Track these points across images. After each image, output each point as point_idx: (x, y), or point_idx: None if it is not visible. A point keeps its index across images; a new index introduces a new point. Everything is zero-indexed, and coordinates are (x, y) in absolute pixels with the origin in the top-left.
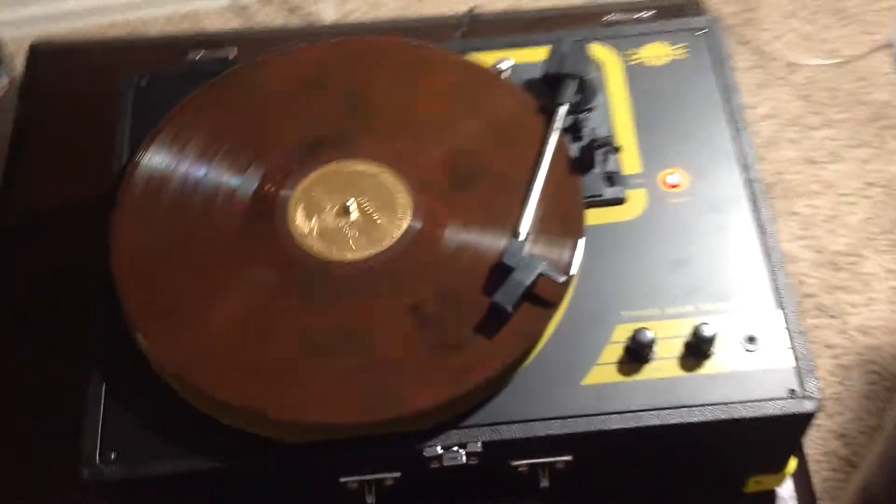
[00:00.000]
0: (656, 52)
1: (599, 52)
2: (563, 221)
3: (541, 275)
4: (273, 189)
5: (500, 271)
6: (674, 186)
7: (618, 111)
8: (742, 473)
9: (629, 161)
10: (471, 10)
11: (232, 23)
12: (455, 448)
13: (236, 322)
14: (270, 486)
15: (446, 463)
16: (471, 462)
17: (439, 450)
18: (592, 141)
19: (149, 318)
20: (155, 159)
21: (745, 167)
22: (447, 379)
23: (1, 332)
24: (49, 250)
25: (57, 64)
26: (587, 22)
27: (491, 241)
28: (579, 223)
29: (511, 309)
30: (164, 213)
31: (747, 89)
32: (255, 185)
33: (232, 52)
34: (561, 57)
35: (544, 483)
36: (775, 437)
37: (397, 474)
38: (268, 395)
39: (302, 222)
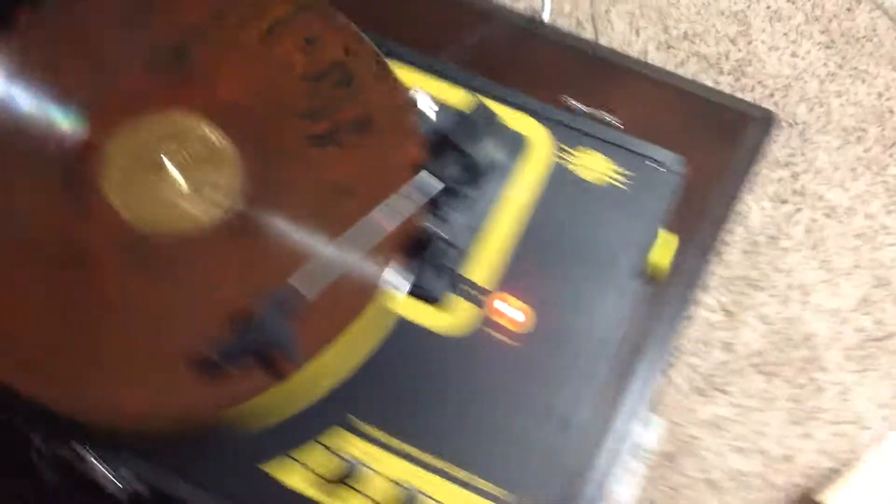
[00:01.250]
0: (592, 164)
1: (531, 130)
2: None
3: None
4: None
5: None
6: (511, 322)
7: (506, 206)
8: None
9: (480, 269)
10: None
11: None
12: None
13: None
14: None
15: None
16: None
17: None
18: (437, 236)
19: None
20: None
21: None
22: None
23: None
24: None
25: None
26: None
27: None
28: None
29: (219, 360)
30: None
31: None
32: (70, 130)
33: None
34: (462, 121)
35: None
36: None
37: None
38: None
39: (116, 191)
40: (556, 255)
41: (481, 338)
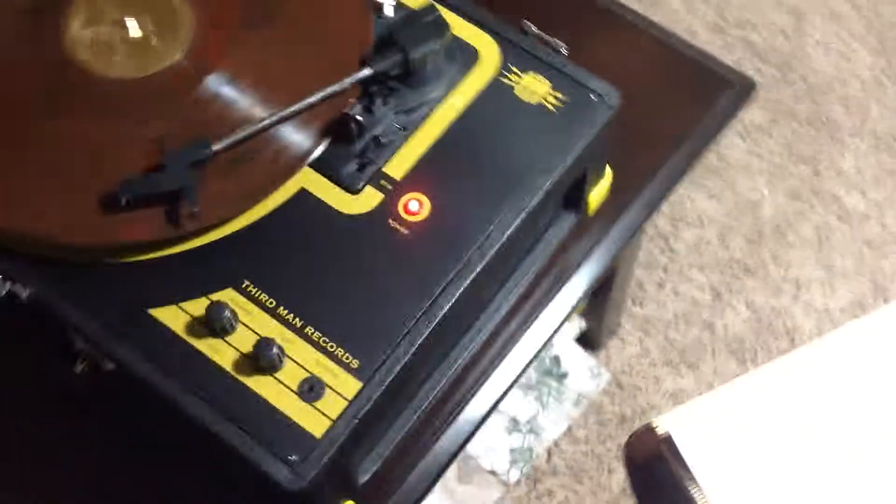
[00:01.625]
0: (532, 86)
1: (484, 46)
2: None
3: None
4: None
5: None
6: (409, 212)
7: (440, 111)
8: None
9: (398, 163)
10: None
11: None
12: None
13: None
14: None
15: None
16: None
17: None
18: (360, 125)
19: None
20: None
21: (482, 247)
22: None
23: None
24: None
25: None
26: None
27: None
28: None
29: (124, 202)
30: None
31: None
32: None
33: None
34: (409, 19)
35: (80, 367)
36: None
37: None
38: None
39: (78, 28)
40: (469, 162)
41: (376, 220)
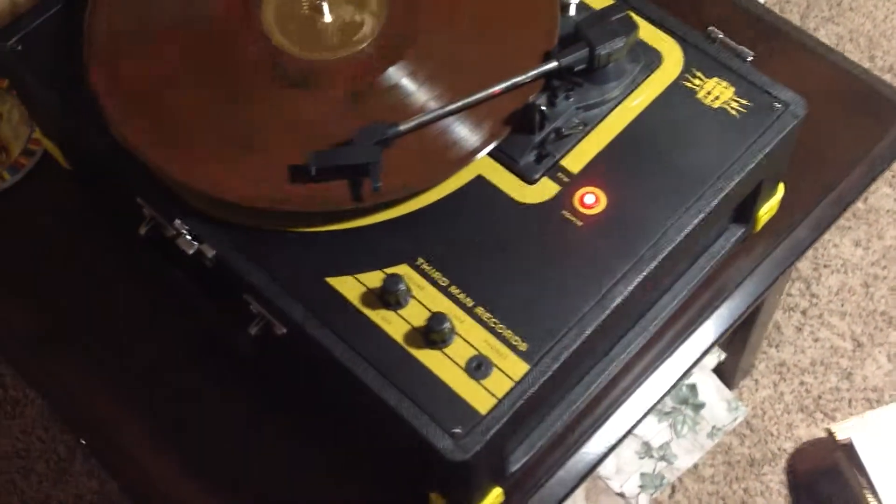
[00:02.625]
0: (715, 91)
1: (668, 49)
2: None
3: (367, 165)
4: None
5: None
6: (584, 205)
7: (621, 109)
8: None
9: (575, 157)
10: None
11: None
12: (191, 238)
13: (193, 101)
14: None
15: (180, 245)
16: (204, 262)
17: (185, 232)
18: (544, 117)
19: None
20: None
21: (657, 245)
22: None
23: None
24: None
25: None
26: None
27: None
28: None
29: (313, 171)
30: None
31: None
32: None
33: None
34: (597, 17)
35: (254, 330)
36: (422, 465)
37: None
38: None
39: (276, 8)
40: (648, 160)
41: (551, 210)
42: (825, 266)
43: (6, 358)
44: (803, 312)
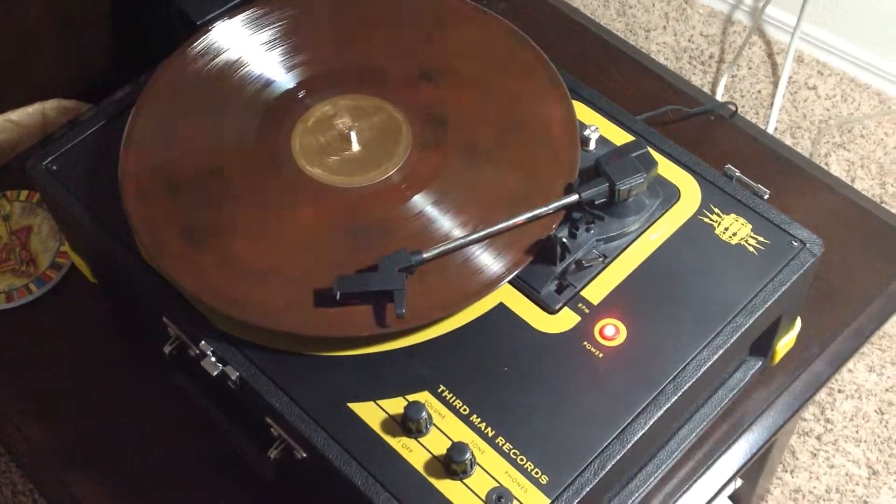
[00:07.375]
0: (733, 227)
1: (686, 186)
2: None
3: (390, 292)
4: (302, 97)
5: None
6: (604, 336)
7: (640, 242)
8: None
9: (596, 288)
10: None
11: None
12: (215, 360)
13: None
14: None
15: (203, 365)
16: (229, 384)
17: (210, 354)
18: (565, 248)
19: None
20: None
21: (677, 380)
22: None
23: None
24: None
25: None
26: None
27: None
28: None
29: (338, 296)
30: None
31: None
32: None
33: None
34: (617, 153)
35: (274, 454)
36: None
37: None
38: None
39: (305, 132)
40: (667, 294)
41: (572, 341)
42: (839, 391)
43: (25, 472)
44: (818, 438)
